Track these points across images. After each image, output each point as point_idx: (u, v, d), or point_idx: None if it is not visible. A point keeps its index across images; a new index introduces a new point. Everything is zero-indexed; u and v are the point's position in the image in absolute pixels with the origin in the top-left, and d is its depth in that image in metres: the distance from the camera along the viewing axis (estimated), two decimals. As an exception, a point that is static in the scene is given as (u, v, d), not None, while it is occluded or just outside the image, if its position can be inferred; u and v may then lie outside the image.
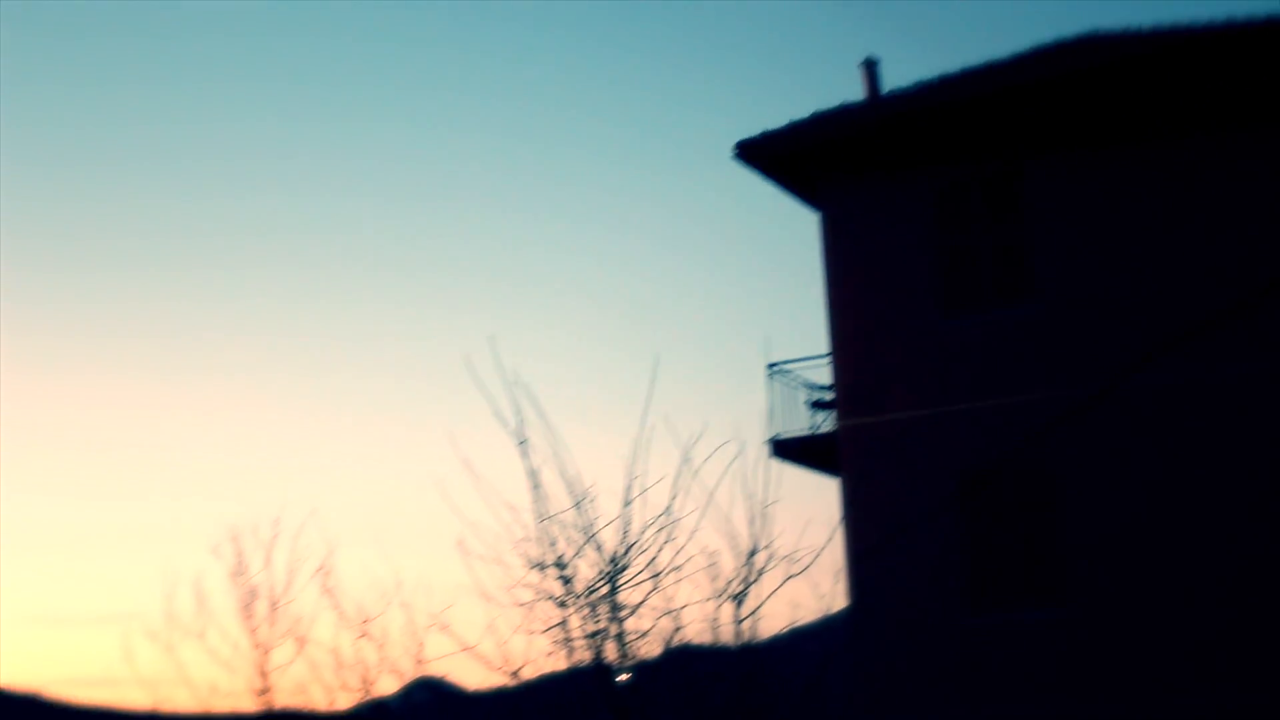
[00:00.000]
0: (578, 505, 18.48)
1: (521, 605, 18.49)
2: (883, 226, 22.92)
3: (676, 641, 19.51)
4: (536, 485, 18.51)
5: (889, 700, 21.52)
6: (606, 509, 18.74)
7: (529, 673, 18.78)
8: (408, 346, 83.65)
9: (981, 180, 22.31)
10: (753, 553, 20.13)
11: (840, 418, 22.75)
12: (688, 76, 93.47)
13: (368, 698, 21.55)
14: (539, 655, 18.69)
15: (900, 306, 22.50)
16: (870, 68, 24.60)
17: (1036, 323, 21.61)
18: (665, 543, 18.59)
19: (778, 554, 20.18)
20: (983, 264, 22.16)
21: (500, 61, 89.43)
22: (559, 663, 18.72)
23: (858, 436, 22.46)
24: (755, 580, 20.14)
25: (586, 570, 18.46)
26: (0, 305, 78.45)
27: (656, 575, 18.59)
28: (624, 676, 18.81)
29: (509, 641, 18.67)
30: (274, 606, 21.98)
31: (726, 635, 20.32)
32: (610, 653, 18.43)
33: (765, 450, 23.20)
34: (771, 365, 24.12)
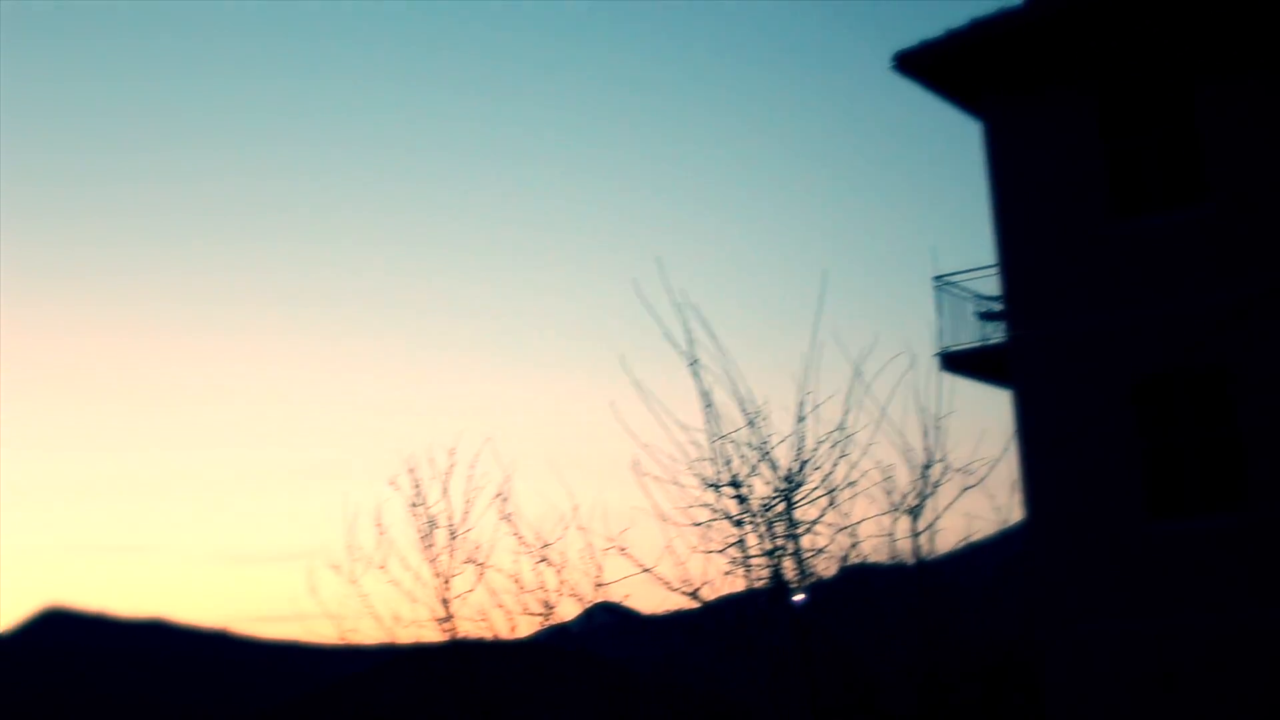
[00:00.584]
0: (751, 423, 18.63)
1: (698, 525, 18.71)
2: (1048, 132, 22.53)
3: (853, 559, 19.59)
4: (709, 405, 18.70)
5: (1068, 609, 21.35)
6: (780, 426, 18.86)
7: (707, 593, 18.99)
8: (576, 271, 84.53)
9: (1149, 80, 21.81)
10: (927, 466, 20.19)
11: (1010, 328, 22.49)
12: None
13: (549, 623, 21.93)
14: (717, 575, 18.90)
15: (1068, 212, 22.13)
16: (1029, -29, 24.09)
17: (1209, 223, 21.13)
18: (839, 458, 18.71)
19: (952, 467, 20.22)
20: (1152, 165, 21.71)
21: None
22: (737, 583, 18.91)
23: (1029, 346, 22.19)
24: (930, 494, 20.21)
25: (762, 488, 18.61)
26: (198, 278, 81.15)
27: (832, 491, 18.71)
28: (800, 596, 18.92)
29: (687, 562, 18.90)
30: (453, 536, 22.44)
31: (903, 550, 20.39)
32: (788, 571, 18.56)
33: (935, 364, 23.14)
34: (939, 278, 23.93)
